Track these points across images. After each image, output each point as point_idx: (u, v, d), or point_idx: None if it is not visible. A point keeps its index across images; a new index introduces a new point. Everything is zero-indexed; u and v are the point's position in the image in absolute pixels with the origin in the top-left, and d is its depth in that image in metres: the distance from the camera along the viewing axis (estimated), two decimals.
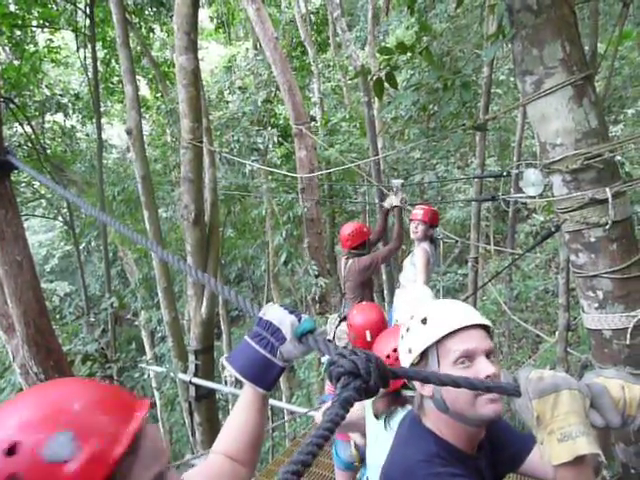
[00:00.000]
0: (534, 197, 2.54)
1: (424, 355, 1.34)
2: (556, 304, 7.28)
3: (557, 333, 4.77)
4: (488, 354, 1.30)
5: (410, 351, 1.37)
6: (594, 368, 2.34)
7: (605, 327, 2.23)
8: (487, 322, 1.35)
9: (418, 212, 4.56)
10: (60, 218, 13.57)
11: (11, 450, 0.72)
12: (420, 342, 1.34)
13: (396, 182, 4.73)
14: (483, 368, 1.28)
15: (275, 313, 1.24)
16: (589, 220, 2.11)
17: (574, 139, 2.09)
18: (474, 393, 1.25)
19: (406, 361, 1.38)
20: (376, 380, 0.98)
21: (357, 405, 2.26)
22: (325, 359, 4.08)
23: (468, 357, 1.29)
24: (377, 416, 2.17)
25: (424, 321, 1.36)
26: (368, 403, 2.22)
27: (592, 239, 2.16)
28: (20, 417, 0.76)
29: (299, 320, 1.23)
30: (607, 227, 2.08)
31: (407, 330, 1.40)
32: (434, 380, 1.11)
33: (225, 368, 1.28)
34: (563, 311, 4.41)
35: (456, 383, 1.11)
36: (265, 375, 1.21)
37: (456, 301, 1.44)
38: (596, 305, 2.24)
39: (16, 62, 11.06)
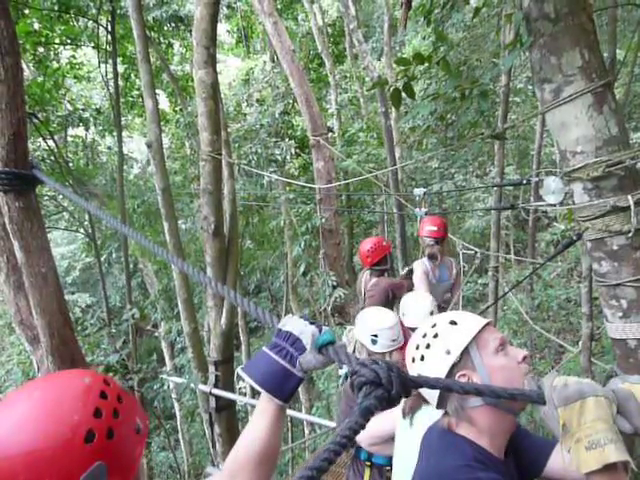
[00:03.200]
0: (554, 205, 2.51)
1: (465, 352, 1.35)
2: (579, 313, 7.17)
3: (580, 343, 4.69)
4: None
5: (449, 352, 1.36)
6: None
7: (630, 337, 2.19)
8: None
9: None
10: (82, 230, 13.78)
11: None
12: (459, 340, 1.37)
13: (418, 191, 4.73)
14: (517, 352, 1.37)
15: (295, 324, 1.24)
16: (611, 228, 2.09)
17: (595, 147, 2.07)
18: (523, 372, 1.33)
19: (445, 364, 1.36)
20: (398, 389, 0.98)
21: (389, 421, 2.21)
22: (343, 372, 4.08)
23: (502, 345, 1.36)
24: (404, 414, 2.16)
25: (453, 322, 1.40)
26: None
27: (615, 247, 2.13)
28: None
29: (320, 331, 1.23)
30: (630, 235, 2.05)
31: (435, 336, 1.40)
32: (456, 389, 1.11)
33: (240, 379, 1.28)
34: (586, 320, 4.34)
35: (479, 392, 1.11)
36: (283, 386, 1.20)
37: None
38: (620, 314, 2.20)
39: (40, 79, 11.31)
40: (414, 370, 1.39)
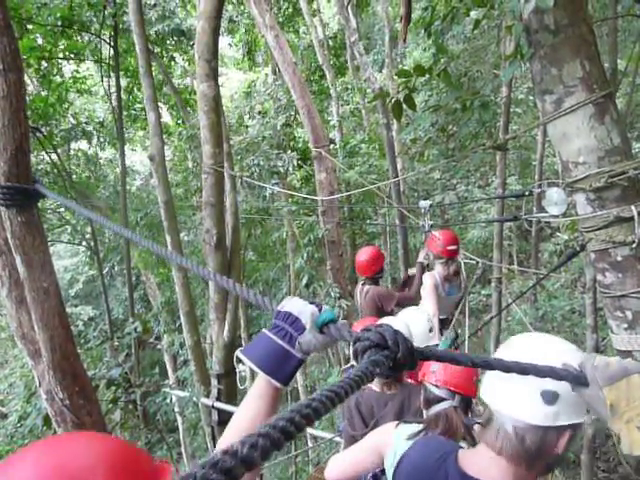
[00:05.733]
0: (557, 216, 2.50)
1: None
2: (583, 324, 7.13)
3: None
4: None
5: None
6: None
7: (635, 348, 2.17)
8: None
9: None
10: (84, 243, 13.81)
11: None
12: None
13: (424, 203, 4.68)
14: None
15: (294, 304, 1.21)
16: (615, 239, 2.07)
17: (597, 157, 2.07)
18: None
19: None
20: (404, 352, 0.91)
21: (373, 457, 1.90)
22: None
23: None
24: None
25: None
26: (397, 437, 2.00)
27: (619, 258, 2.12)
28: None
29: (320, 310, 1.20)
30: (634, 246, 2.04)
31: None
32: (465, 361, 1.05)
33: (240, 362, 1.23)
34: (591, 332, 4.32)
35: (507, 368, 1.05)
36: (282, 367, 1.16)
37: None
38: (625, 325, 2.18)
39: (43, 93, 11.40)
40: None
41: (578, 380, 1.06)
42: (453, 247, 4.38)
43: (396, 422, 1.80)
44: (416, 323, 3.38)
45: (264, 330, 1.21)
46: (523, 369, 1.06)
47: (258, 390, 1.19)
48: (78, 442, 0.81)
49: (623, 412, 1.00)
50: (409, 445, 1.57)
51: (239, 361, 1.21)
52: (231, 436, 1.17)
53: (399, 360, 0.90)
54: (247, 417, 1.18)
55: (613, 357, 1.07)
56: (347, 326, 1.16)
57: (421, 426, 1.68)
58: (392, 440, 1.70)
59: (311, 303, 1.21)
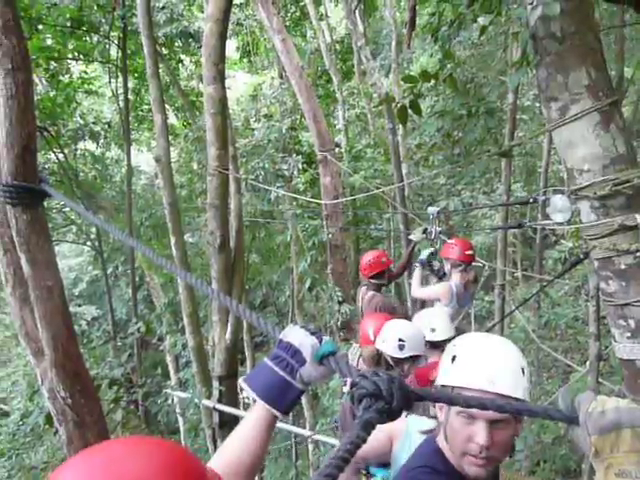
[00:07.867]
0: (562, 224, 2.50)
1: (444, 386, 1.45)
2: (586, 333, 7.10)
3: (588, 363, 4.64)
4: (493, 422, 1.31)
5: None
6: None
7: (638, 357, 2.16)
8: (515, 394, 1.33)
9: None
10: (89, 243, 13.85)
11: None
12: (442, 376, 1.45)
13: (432, 209, 4.69)
14: (477, 434, 1.31)
15: (296, 335, 1.22)
16: (619, 247, 2.07)
17: (602, 165, 2.06)
18: (463, 449, 1.34)
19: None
20: (399, 401, 0.96)
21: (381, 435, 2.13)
22: (347, 389, 4.04)
23: (471, 416, 1.33)
24: None
25: (453, 359, 1.44)
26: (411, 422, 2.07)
27: (622, 266, 2.11)
28: None
29: (320, 342, 1.21)
30: (638, 254, 2.04)
31: (445, 353, 1.52)
32: (460, 403, 1.12)
33: (243, 390, 1.25)
34: (594, 340, 4.29)
35: (484, 406, 1.09)
36: (283, 398, 1.18)
37: (498, 348, 1.44)
38: (628, 334, 2.18)
39: (52, 93, 11.46)
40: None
41: (571, 420, 1.09)
42: (470, 252, 4.36)
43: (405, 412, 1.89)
44: (441, 318, 3.40)
45: (266, 359, 1.23)
46: (517, 410, 1.14)
47: (256, 417, 1.21)
48: (136, 448, 0.80)
49: (605, 458, 1.02)
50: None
51: (242, 389, 1.23)
52: (224, 455, 1.18)
53: (394, 410, 0.96)
54: (244, 442, 1.19)
55: (611, 401, 1.07)
56: (346, 358, 1.20)
57: (433, 423, 1.76)
58: (404, 427, 1.96)
59: (312, 333, 1.23)
